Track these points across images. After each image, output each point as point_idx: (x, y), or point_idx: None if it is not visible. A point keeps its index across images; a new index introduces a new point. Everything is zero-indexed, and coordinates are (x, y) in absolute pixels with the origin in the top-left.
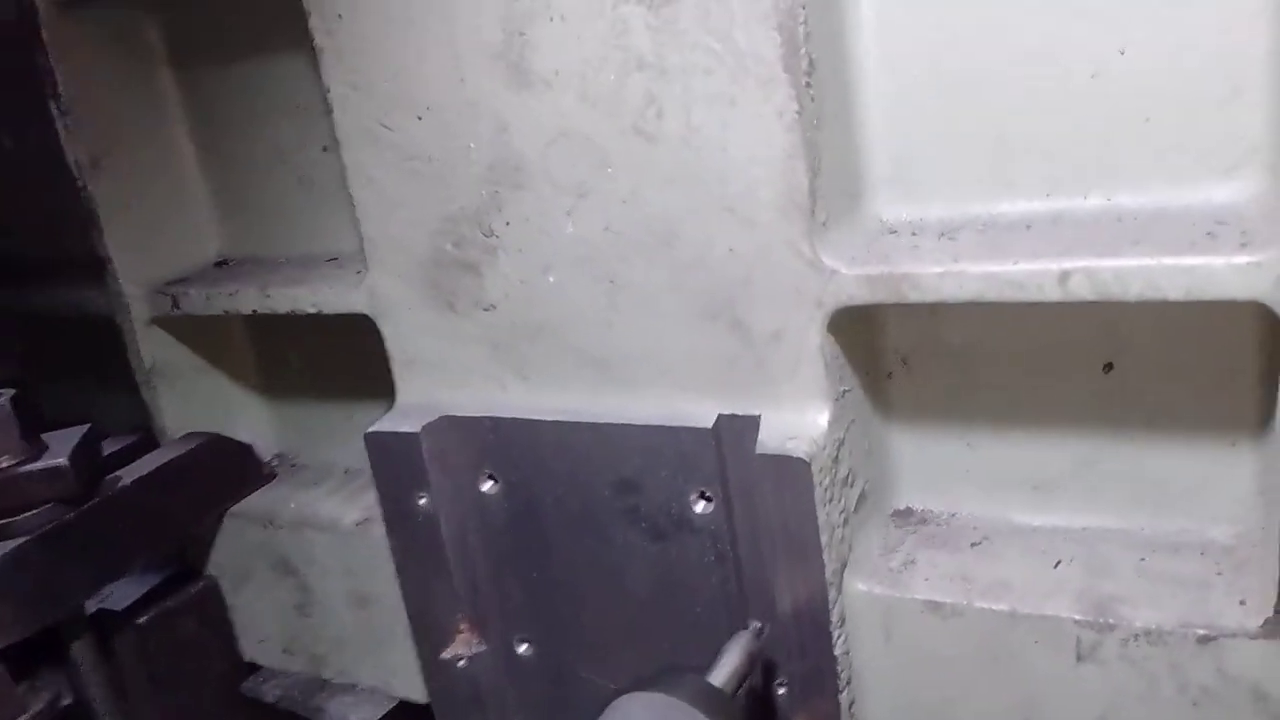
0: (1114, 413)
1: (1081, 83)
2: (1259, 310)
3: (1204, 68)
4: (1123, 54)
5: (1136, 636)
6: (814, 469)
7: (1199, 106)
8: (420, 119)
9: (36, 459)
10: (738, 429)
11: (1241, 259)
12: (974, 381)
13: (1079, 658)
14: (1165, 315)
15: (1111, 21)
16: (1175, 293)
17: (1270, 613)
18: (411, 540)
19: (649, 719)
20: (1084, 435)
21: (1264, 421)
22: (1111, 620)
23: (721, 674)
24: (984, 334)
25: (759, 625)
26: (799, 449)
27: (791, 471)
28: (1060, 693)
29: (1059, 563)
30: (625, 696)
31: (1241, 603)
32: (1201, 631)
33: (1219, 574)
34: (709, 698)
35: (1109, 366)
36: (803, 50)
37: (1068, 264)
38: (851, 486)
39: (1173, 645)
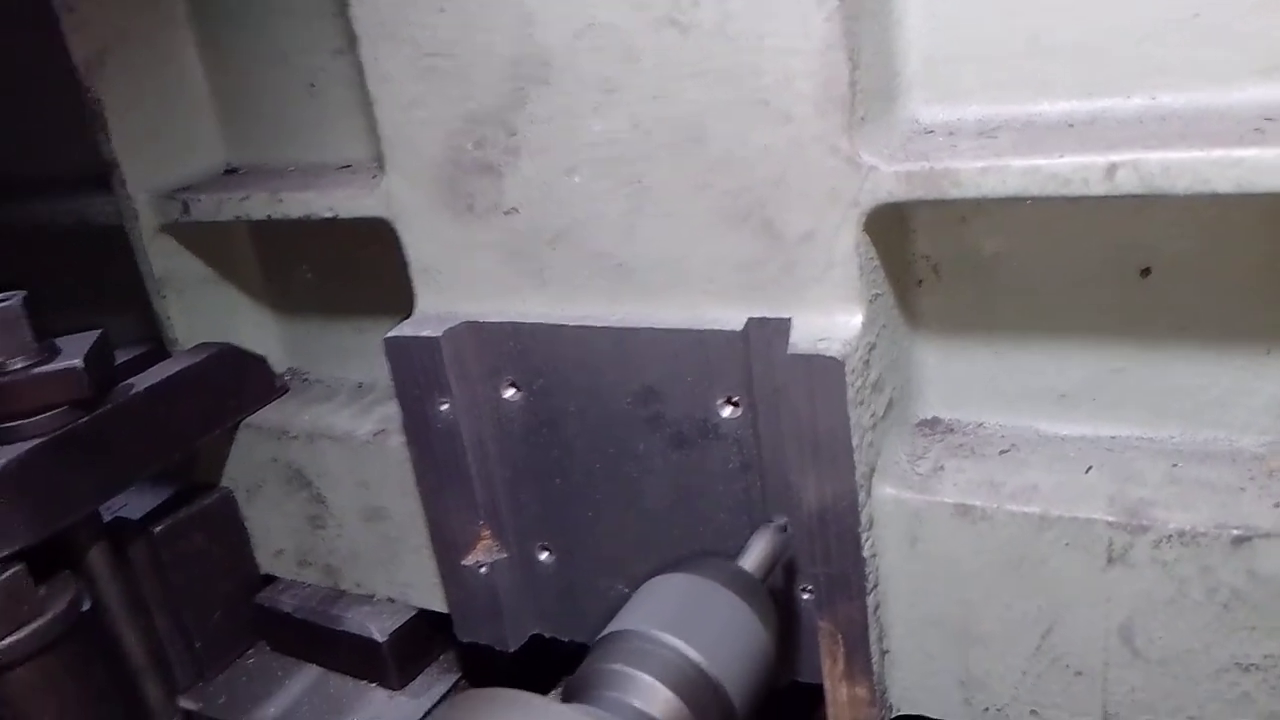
0: (1147, 320)
1: None
2: None
3: None
4: None
5: (1169, 538)
6: (846, 369)
7: (1247, 2)
8: (442, 11)
9: (49, 361)
10: (767, 332)
11: None
12: (1005, 290)
13: (1109, 560)
14: (1205, 217)
15: None
16: (1225, 185)
17: None
18: (432, 447)
19: (681, 599)
20: (1115, 343)
21: None
22: (1145, 522)
23: (751, 559)
24: (1018, 241)
25: (783, 521)
26: (832, 349)
27: (824, 372)
28: (1087, 598)
29: (1089, 469)
30: (657, 578)
31: (1276, 505)
32: (1236, 532)
33: (1251, 479)
34: (739, 580)
35: (1146, 272)
36: None
37: (1114, 157)
38: (881, 392)
39: (1205, 547)
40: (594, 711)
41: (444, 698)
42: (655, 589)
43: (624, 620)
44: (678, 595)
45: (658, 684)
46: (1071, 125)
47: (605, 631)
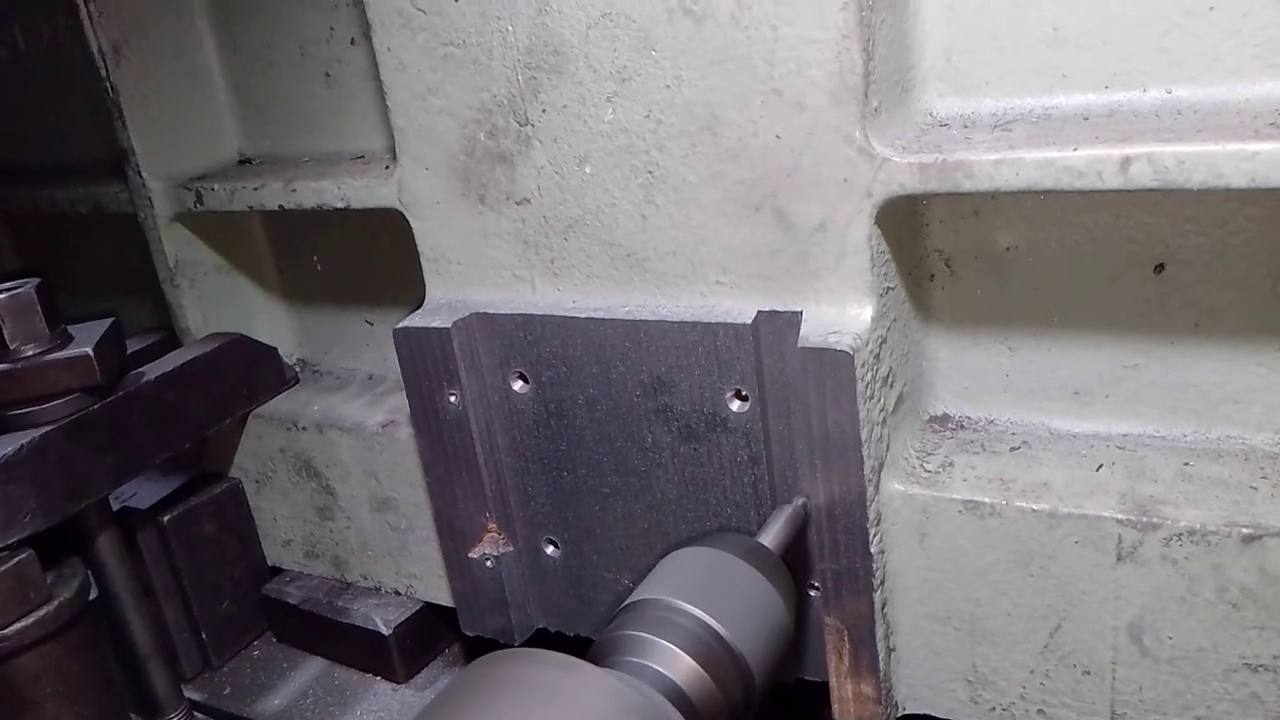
0: (1161, 317)
1: None
2: None
3: None
4: None
5: (1180, 536)
6: (856, 363)
7: None
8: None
9: (61, 349)
10: (778, 325)
11: None
12: (1018, 286)
13: (1119, 558)
14: (1220, 213)
15: None
16: (1239, 179)
17: None
18: (440, 438)
19: (702, 571)
20: (1129, 340)
21: None
22: (1155, 519)
23: (769, 535)
24: (1031, 236)
25: (802, 500)
26: (842, 342)
27: (834, 365)
28: (1096, 595)
29: (1100, 466)
30: (678, 551)
31: None
32: (1246, 530)
33: (1264, 478)
34: (758, 554)
35: (1160, 268)
36: None
37: (1129, 150)
38: (891, 387)
39: (1215, 545)
40: (618, 674)
41: None
42: (677, 561)
43: (647, 590)
44: (699, 567)
45: (680, 651)
46: (1087, 118)
47: (628, 600)
